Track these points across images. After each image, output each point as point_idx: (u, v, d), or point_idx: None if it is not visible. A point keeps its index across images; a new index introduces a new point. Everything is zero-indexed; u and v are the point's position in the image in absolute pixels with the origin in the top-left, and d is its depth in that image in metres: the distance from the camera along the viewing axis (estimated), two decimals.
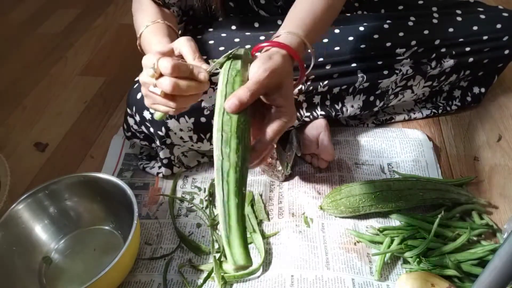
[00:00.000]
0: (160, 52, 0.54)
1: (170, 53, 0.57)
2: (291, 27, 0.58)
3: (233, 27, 0.86)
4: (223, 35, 0.84)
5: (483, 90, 0.96)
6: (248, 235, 0.74)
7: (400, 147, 0.88)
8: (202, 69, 0.53)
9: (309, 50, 0.58)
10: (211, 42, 0.83)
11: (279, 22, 0.85)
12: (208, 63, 0.55)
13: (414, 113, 0.96)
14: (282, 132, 0.50)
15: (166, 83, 0.51)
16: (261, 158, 0.50)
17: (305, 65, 0.57)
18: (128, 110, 0.79)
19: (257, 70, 0.49)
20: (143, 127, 0.78)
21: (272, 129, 0.49)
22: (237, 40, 0.82)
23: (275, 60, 0.51)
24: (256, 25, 0.86)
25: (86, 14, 1.51)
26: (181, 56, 0.57)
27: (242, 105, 0.47)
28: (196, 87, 0.53)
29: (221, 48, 0.81)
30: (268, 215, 0.77)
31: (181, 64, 0.51)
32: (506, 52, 0.87)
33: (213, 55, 0.80)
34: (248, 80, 0.50)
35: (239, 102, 0.46)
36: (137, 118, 0.76)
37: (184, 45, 0.56)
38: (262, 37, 0.82)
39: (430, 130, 0.94)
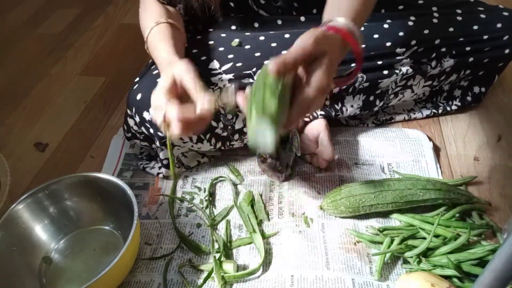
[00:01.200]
0: (165, 90, 0.58)
1: (173, 87, 0.59)
2: (340, 14, 0.58)
3: (233, 27, 0.86)
4: (223, 35, 0.84)
5: (483, 89, 0.96)
6: (248, 235, 0.74)
7: (400, 147, 0.88)
8: (206, 100, 0.56)
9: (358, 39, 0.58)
10: (211, 42, 0.83)
11: (279, 22, 0.85)
12: (210, 84, 0.64)
13: (414, 113, 0.96)
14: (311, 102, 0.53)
15: (176, 130, 0.56)
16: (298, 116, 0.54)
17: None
18: (128, 111, 0.79)
19: (304, 36, 0.53)
20: (143, 128, 0.78)
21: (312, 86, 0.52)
22: (236, 40, 0.82)
23: (325, 33, 0.54)
24: (256, 25, 0.86)
25: (86, 14, 1.51)
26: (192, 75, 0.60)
27: (284, 66, 0.50)
28: (202, 121, 0.57)
29: (221, 49, 0.81)
30: (268, 215, 0.77)
31: (187, 114, 0.55)
32: (507, 51, 0.87)
33: (213, 55, 0.80)
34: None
35: (282, 63, 0.50)
36: (137, 119, 0.76)
37: (184, 77, 0.59)
38: (261, 38, 0.82)
39: (430, 130, 0.94)
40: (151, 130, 0.76)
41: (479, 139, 0.91)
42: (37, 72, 1.22)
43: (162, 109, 0.57)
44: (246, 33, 0.84)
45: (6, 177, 0.74)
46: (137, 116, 0.76)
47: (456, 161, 0.87)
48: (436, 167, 0.84)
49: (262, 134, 0.47)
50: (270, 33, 0.83)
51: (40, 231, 0.72)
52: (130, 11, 1.51)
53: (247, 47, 0.81)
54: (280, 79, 0.51)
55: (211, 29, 0.86)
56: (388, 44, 0.82)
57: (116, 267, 0.60)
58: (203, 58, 0.79)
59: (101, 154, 0.93)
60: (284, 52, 0.78)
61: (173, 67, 0.61)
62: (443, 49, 0.84)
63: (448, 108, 0.97)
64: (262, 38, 0.82)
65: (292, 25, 0.85)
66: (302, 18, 0.86)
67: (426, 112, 0.96)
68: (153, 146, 0.84)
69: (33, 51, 1.32)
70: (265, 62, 0.56)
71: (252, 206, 0.78)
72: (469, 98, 0.96)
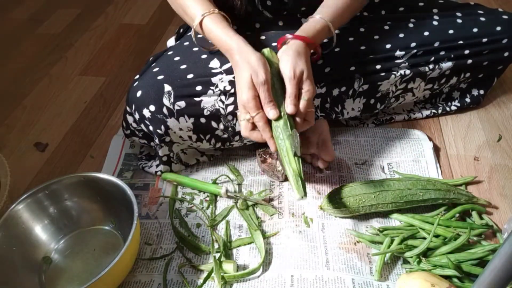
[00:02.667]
0: (256, 102, 0.66)
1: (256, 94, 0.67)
2: (318, 14, 0.74)
3: (234, 27, 0.86)
4: None
5: (482, 92, 0.96)
6: (249, 235, 0.74)
7: (400, 147, 0.88)
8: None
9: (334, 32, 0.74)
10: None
11: (280, 23, 0.85)
12: (210, 85, 0.76)
13: (414, 113, 0.96)
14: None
15: (257, 138, 0.69)
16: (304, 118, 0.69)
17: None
18: (128, 108, 0.79)
19: (288, 71, 0.67)
20: (142, 125, 0.78)
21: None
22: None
23: (295, 55, 0.68)
24: (257, 25, 0.86)
25: (86, 14, 1.51)
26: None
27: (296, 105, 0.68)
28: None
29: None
30: (276, 209, 0.78)
31: (265, 132, 0.67)
32: (506, 54, 0.87)
33: (213, 53, 0.79)
34: (277, 64, 0.70)
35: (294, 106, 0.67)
36: (136, 116, 0.76)
37: (260, 90, 0.66)
38: (262, 37, 0.82)
39: (430, 130, 0.94)
40: (151, 128, 0.76)
41: (479, 139, 0.91)
42: (37, 72, 1.22)
43: (251, 111, 0.66)
44: (247, 32, 0.84)
45: (6, 177, 0.74)
46: (136, 113, 0.76)
47: (456, 161, 0.87)
48: (436, 167, 0.84)
49: (298, 185, 0.63)
50: (271, 33, 0.83)
51: (40, 231, 0.72)
52: (130, 11, 1.51)
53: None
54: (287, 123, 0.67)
55: None
56: (388, 46, 0.82)
57: (116, 267, 0.60)
58: (204, 56, 0.79)
59: (101, 154, 0.93)
60: None
61: (251, 64, 0.67)
62: (442, 53, 0.84)
63: (448, 109, 0.97)
64: (263, 37, 0.82)
65: (293, 26, 0.85)
66: (304, 20, 0.86)
67: (426, 112, 0.96)
68: (152, 143, 0.84)
69: (33, 51, 1.32)
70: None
71: (253, 206, 0.78)
72: (468, 100, 0.97)
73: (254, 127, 0.68)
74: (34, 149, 0.96)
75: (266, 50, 0.73)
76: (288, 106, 0.67)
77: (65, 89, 1.15)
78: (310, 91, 0.68)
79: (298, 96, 0.68)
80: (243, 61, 0.67)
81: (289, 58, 0.68)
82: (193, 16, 0.73)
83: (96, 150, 0.95)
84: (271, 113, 0.66)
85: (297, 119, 0.68)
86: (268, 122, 0.67)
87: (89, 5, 1.56)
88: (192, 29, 0.74)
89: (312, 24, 0.73)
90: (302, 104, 0.68)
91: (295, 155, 0.65)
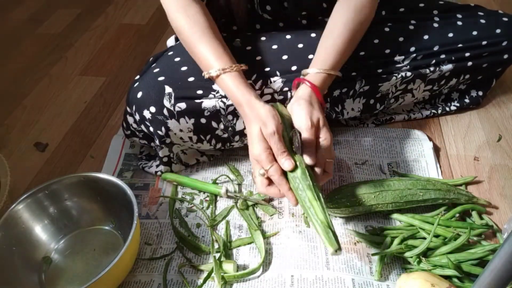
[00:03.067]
0: (269, 155, 0.63)
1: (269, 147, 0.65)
2: (318, 65, 0.73)
3: (234, 27, 0.86)
4: (224, 34, 0.84)
5: (480, 93, 0.97)
6: (249, 235, 0.74)
7: (400, 147, 0.88)
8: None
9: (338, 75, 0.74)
10: None
11: (280, 24, 0.85)
12: (211, 90, 0.75)
13: (414, 114, 0.96)
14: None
15: (275, 193, 0.65)
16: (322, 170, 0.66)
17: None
18: (128, 109, 0.79)
19: (304, 120, 0.65)
20: (142, 126, 0.78)
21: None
22: (237, 40, 0.82)
23: (309, 104, 0.67)
24: (258, 26, 0.86)
25: (86, 14, 1.51)
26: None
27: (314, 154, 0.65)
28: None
29: None
30: (276, 209, 0.78)
31: (281, 185, 0.63)
32: (505, 57, 0.87)
33: None
34: (289, 116, 0.69)
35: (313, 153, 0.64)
36: (137, 117, 0.76)
37: (271, 141, 0.63)
38: (263, 38, 0.82)
39: (430, 130, 0.94)
40: (151, 128, 0.76)
41: (479, 139, 0.91)
42: (37, 72, 1.22)
43: (264, 165, 0.63)
44: (248, 33, 0.84)
45: (6, 177, 0.74)
46: (137, 114, 0.76)
47: (456, 161, 0.87)
48: (436, 167, 0.84)
49: (330, 238, 0.57)
50: (272, 33, 0.83)
51: (40, 231, 0.72)
52: (130, 11, 1.51)
53: (248, 48, 0.80)
54: (307, 174, 0.62)
55: None
56: (388, 51, 0.82)
57: (116, 267, 0.60)
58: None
59: (101, 154, 0.93)
60: (284, 57, 0.78)
61: (259, 117, 0.64)
62: (442, 56, 0.84)
63: (447, 109, 0.97)
64: (263, 38, 0.82)
65: (293, 27, 0.85)
66: (304, 21, 0.86)
67: (425, 112, 0.96)
68: (152, 144, 0.84)
69: (33, 51, 1.32)
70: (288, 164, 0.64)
71: (253, 206, 0.78)
72: (467, 101, 0.97)
73: (270, 182, 0.64)
74: (34, 149, 0.96)
75: (277, 104, 0.72)
76: (306, 157, 0.64)
77: (65, 89, 1.15)
78: (328, 139, 0.66)
79: (316, 146, 0.66)
80: (253, 114, 0.65)
81: (303, 107, 0.66)
82: (208, 67, 0.71)
83: (96, 150, 0.95)
84: (286, 163, 0.62)
85: (316, 169, 0.65)
86: (284, 174, 0.63)
87: (89, 5, 1.56)
88: (204, 73, 0.72)
89: (318, 75, 0.72)
90: (321, 153, 0.65)
91: (319, 200, 0.60)
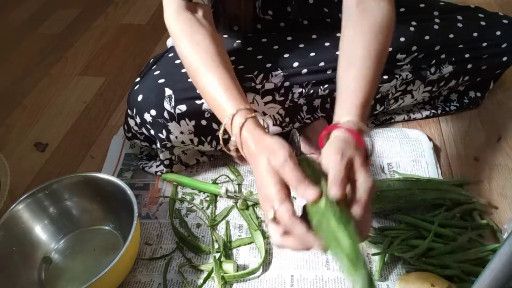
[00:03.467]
0: (279, 190, 0.49)
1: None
2: (349, 115, 0.55)
3: (235, 28, 0.86)
4: (225, 36, 0.84)
5: (479, 94, 0.97)
6: (249, 235, 0.74)
7: (400, 147, 0.88)
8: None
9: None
10: None
11: (281, 24, 0.85)
12: None
13: (414, 114, 0.96)
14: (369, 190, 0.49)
15: (294, 244, 0.48)
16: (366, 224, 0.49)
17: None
18: (129, 112, 0.79)
19: (334, 155, 0.49)
20: (143, 129, 0.78)
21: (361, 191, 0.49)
22: (239, 41, 0.82)
23: (343, 143, 0.51)
24: (259, 26, 0.86)
25: (86, 14, 1.51)
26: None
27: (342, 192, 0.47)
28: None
29: None
30: None
31: (296, 228, 0.47)
32: (504, 59, 0.88)
33: None
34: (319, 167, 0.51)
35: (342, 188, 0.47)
36: (138, 120, 0.76)
37: (283, 172, 0.49)
38: (264, 40, 0.82)
39: (430, 130, 0.94)
40: (152, 132, 0.76)
41: (479, 139, 0.91)
42: (37, 72, 1.22)
43: (275, 203, 0.48)
44: (248, 34, 0.84)
45: (6, 177, 0.74)
46: (137, 117, 0.76)
47: (456, 161, 0.87)
48: (436, 167, 0.84)
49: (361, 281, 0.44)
50: (273, 35, 0.83)
51: (40, 231, 0.72)
52: (130, 11, 1.51)
53: (249, 49, 0.80)
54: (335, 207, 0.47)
55: None
56: (389, 49, 0.82)
57: (116, 267, 0.60)
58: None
59: (101, 154, 0.93)
60: (286, 55, 0.78)
61: (282, 146, 0.51)
62: (443, 56, 0.84)
63: (447, 109, 0.97)
64: (264, 40, 0.82)
65: (294, 28, 0.85)
66: (305, 22, 0.86)
67: (425, 112, 0.96)
68: (154, 146, 0.84)
69: (33, 51, 1.32)
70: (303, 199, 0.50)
71: (253, 206, 0.78)
72: (466, 101, 0.97)
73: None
74: (34, 149, 0.96)
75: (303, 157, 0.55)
76: (332, 188, 0.47)
77: (65, 89, 1.15)
78: (368, 184, 0.49)
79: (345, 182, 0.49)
80: (259, 147, 0.52)
81: (334, 144, 0.52)
82: (222, 110, 0.59)
83: (96, 150, 0.95)
84: (309, 192, 0.47)
85: (355, 209, 0.48)
86: (305, 218, 0.49)
87: (89, 5, 1.56)
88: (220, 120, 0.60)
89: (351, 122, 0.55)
90: (359, 196, 0.48)
91: (346, 229, 0.45)
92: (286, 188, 0.49)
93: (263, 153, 0.51)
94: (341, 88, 0.60)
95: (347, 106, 0.57)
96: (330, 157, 0.50)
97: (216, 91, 0.59)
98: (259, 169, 0.51)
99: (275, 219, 0.48)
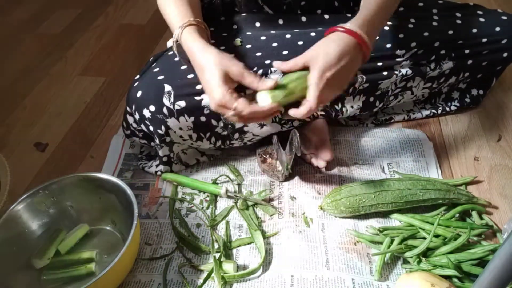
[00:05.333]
0: (226, 86, 0.62)
1: (228, 80, 0.64)
2: (354, 23, 0.65)
3: (234, 26, 0.86)
4: (224, 34, 0.84)
5: (481, 92, 0.97)
6: (249, 235, 0.74)
7: (400, 147, 0.88)
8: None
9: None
10: (212, 41, 0.83)
11: (280, 21, 0.85)
12: None
13: (414, 113, 0.96)
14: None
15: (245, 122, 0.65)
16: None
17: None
18: (128, 108, 0.79)
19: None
20: (142, 126, 0.78)
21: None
22: (238, 39, 0.82)
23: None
24: (257, 24, 0.86)
25: (86, 14, 1.51)
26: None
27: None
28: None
29: (222, 48, 0.81)
30: (276, 209, 0.78)
31: (256, 112, 0.61)
32: (505, 55, 0.88)
33: None
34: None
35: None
36: (137, 116, 0.76)
37: (243, 78, 0.63)
38: (262, 37, 0.82)
39: (430, 130, 0.94)
40: (151, 128, 0.76)
41: (479, 139, 0.91)
42: (37, 72, 1.22)
43: (230, 105, 0.61)
44: (247, 33, 0.84)
45: (6, 177, 0.74)
46: (137, 113, 0.76)
47: (456, 161, 0.87)
48: (436, 167, 0.84)
49: None
50: (271, 33, 0.83)
51: (40, 231, 0.72)
52: (130, 11, 1.52)
53: (248, 46, 0.81)
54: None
55: (212, 28, 0.86)
56: (388, 45, 0.82)
57: (116, 267, 0.60)
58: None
59: (101, 154, 0.93)
60: (285, 52, 0.79)
61: (219, 62, 0.64)
62: (443, 52, 0.84)
63: (447, 109, 0.97)
64: (263, 38, 0.82)
65: (293, 25, 0.85)
66: (303, 18, 0.86)
67: (425, 112, 0.96)
68: (152, 144, 0.84)
69: (33, 51, 1.32)
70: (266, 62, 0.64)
71: (253, 207, 0.78)
72: (467, 100, 0.97)
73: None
74: (34, 149, 0.96)
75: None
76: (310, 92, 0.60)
77: (65, 89, 1.15)
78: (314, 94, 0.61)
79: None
80: (208, 59, 0.65)
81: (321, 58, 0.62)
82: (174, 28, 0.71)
83: (96, 150, 0.95)
84: (269, 82, 0.62)
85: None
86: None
87: (89, 5, 1.56)
88: (172, 41, 0.72)
89: (356, 22, 0.66)
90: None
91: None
92: (234, 90, 0.63)
93: (215, 66, 0.63)
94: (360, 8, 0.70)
95: (356, 19, 0.66)
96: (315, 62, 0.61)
97: (173, 12, 0.72)
98: (211, 80, 0.63)
99: (236, 115, 0.61)
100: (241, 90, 0.66)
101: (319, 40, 0.65)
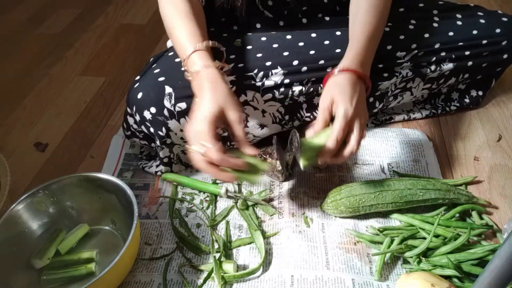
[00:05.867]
0: (210, 125, 0.60)
1: (216, 120, 0.61)
2: (348, 61, 0.69)
3: (235, 27, 0.86)
4: (225, 35, 0.84)
5: (480, 93, 0.97)
6: (249, 235, 0.74)
7: (400, 147, 0.88)
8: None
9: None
10: None
11: (281, 23, 0.85)
12: None
13: (414, 113, 0.96)
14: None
15: (200, 165, 0.60)
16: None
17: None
18: (128, 110, 0.79)
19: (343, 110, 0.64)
20: (143, 127, 0.78)
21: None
22: (238, 40, 0.82)
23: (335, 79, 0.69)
24: (258, 26, 0.86)
25: (86, 14, 1.51)
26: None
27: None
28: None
29: (222, 49, 0.81)
30: (276, 209, 0.78)
31: (224, 161, 0.58)
32: (505, 56, 0.88)
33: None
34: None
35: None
36: (137, 117, 0.76)
37: (236, 128, 0.62)
38: (263, 38, 0.82)
39: (430, 130, 0.94)
40: (151, 129, 0.76)
41: (479, 139, 0.91)
42: (37, 72, 1.22)
43: (206, 143, 0.58)
44: (248, 33, 0.84)
45: (6, 177, 0.74)
46: (137, 115, 0.76)
47: (456, 161, 0.87)
48: (436, 167, 0.84)
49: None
50: (272, 34, 0.83)
51: (40, 231, 0.72)
52: (130, 11, 1.51)
53: (249, 47, 0.81)
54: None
55: (212, 29, 0.86)
56: (389, 47, 0.82)
57: (116, 267, 0.60)
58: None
59: (101, 154, 0.93)
60: (285, 53, 0.79)
61: (224, 98, 0.62)
62: (443, 53, 0.84)
63: (447, 109, 0.97)
64: (263, 38, 0.82)
65: (294, 27, 0.85)
66: (304, 20, 0.86)
67: (425, 112, 0.96)
68: (153, 145, 0.84)
69: (33, 51, 1.32)
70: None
71: (253, 207, 0.78)
72: (467, 101, 0.97)
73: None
74: (34, 149, 0.96)
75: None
76: (330, 141, 0.63)
77: (65, 89, 1.15)
78: (347, 114, 0.64)
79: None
80: (213, 90, 0.61)
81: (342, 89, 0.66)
82: (183, 51, 0.68)
83: (96, 150, 0.95)
84: (251, 149, 0.62)
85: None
86: None
87: (89, 5, 1.56)
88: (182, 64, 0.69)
89: (349, 60, 0.70)
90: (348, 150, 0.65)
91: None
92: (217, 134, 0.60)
93: (215, 99, 0.60)
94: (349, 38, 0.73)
95: (348, 55, 0.70)
96: (324, 109, 0.65)
97: (181, 36, 0.69)
98: (203, 110, 0.60)
99: (201, 155, 0.58)
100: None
101: (324, 89, 0.68)
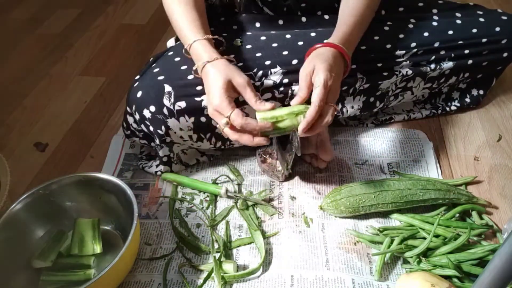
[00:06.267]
0: (226, 94, 0.65)
1: (230, 89, 0.66)
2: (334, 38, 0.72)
3: (234, 27, 0.86)
4: (224, 34, 0.84)
5: (481, 92, 0.97)
6: (249, 235, 0.74)
7: (400, 147, 0.88)
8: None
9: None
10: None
11: (280, 22, 0.85)
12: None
13: (414, 113, 0.96)
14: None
15: (236, 137, 0.64)
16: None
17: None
18: (128, 109, 0.79)
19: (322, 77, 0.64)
20: (142, 126, 0.78)
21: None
22: (238, 39, 0.82)
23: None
24: (257, 25, 0.86)
25: (86, 14, 1.51)
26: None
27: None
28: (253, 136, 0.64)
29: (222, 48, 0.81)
30: (276, 209, 0.78)
31: (249, 124, 0.63)
32: (505, 55, 0.88)
33: None
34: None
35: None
36: (137, 116, 0.76)
37: (245, 91, 0.66)
38: (262, 37, 0.82)
39: (430, 130, 0.94)
40: (151, 128, 0.76)
41: (479, 139, 0.91)
42: (37, 72, 1.22)
43: (225, 112, 0.63)
44: (248, 33, 0.84)
45: (6, 177, 0.74)
46: (137, 114, 0.76)
47: (456, 161, 0.87)
48: (436, 167, 0.84)
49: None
50: (271, 33, 0.84)
51: (40, 231, 0.72)
52: (130, 11, 1.51)
53: (248, 46, 0.81)
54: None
55: (212, 28, 0.86)
56: (388, 46, 0.82)
57: (116, 267, 0.60)
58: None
59: (101, 154, 0.93)
60: (285, 52, 0.79)
61: (225, 69, 0.66)
62: (443, 52, 0.84)
63: (448, 109, 0.97)
64: (263, 38, 0.82)
65: (293, 26, 0.85)
66: (303, 19, 0.86)
67: (425, 112, 0.96)
68: (152, 144, 0.84)
69: (33, 51, 1.32)
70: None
71: (253, 207, 0.78)
72: (467, 100, 0.97)
73: (236, 130, 0.65)
74: (34, 149, 0.96)
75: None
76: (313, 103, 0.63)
77: (65, 89, 1.15)
78: (321, 78, 0.64)
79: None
80: (217, 69, 0.67)
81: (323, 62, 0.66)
82: (185, 38, 0.73)
83: (96, 150, 0.95)
84: (267, 104, 0.64)
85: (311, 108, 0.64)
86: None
87: (89, 5, 1.56)
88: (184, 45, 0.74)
89: (335, 37, 0.73)
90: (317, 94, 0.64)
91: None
92: (232, 101, 0.65)
93: (221, 75, 0.65)
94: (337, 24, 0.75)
95: (334, 34, 0.73)
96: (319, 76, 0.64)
97: (183, 23, 0.73)
98: (213, 85, 0.65)
99: (227, 124, 0.63)
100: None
101: (307, 59, 0.70)
